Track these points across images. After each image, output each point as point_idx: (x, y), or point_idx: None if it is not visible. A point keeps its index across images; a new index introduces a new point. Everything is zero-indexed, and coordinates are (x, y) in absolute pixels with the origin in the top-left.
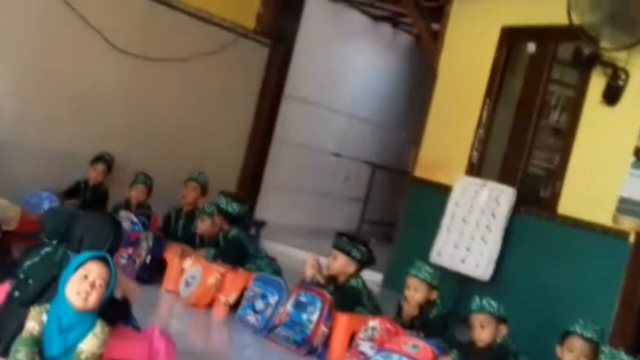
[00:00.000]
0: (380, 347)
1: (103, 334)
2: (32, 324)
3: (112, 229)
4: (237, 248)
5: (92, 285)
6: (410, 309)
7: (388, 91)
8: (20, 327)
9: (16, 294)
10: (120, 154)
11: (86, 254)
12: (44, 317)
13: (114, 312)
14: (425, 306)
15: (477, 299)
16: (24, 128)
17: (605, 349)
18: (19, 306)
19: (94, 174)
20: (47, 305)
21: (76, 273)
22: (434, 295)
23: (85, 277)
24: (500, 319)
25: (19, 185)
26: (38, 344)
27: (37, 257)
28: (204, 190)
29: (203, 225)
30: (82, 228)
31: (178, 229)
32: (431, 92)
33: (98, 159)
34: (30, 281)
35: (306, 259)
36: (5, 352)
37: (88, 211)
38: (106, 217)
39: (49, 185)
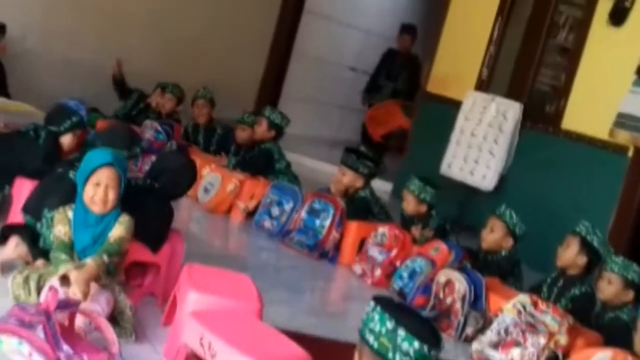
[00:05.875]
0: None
1: (127, 222)
2: (60, 228)
3: (190, 171)
4: (266, 160)
5: (106, 191)
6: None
7: (404, 8)
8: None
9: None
10: (143, 67)
11: (95, 162)
12: (70, 215)
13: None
14: (420, 219)
15: (503, 206)
16: (51, 39)
17: (618, 259)
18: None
19: (164, 102)
20: (72, 205)
21: (88, 181)
22: (423, 208)
23: (98, 184)
24: (511, 233)
25: (45, 95)
26: (72, 246)
27: None
28: (212, 103)
29: (243, 134)
30: (163, 166)
31: (199, 143)
32: (445, 9)
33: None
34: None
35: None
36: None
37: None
38: (187, 161)
39: (75, 94)
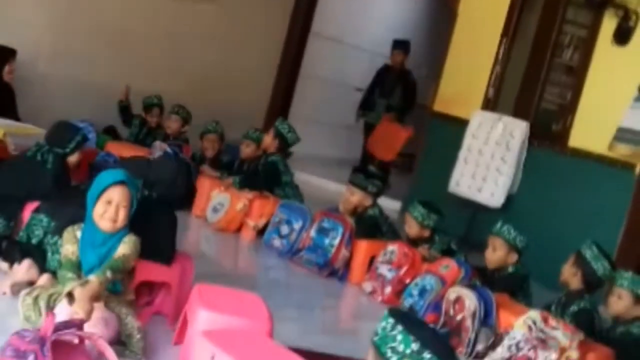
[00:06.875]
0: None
1: (132, 241)
2: (68, 247)
3: (185, 176)
4: (272, 173)
5: (117, 209)
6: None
7: (410, 30)
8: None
9: None
10: (154, 89)
11: (107, 180)
12: (78, 234)
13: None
14: (424, 241)
15: (499, 223)
16: (62, 62)
17: (627, 274)
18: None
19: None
20: (81, 225)
21: (100, 199)
22: (426, 233)
23: (109, 202)
24: (513, 248)
25: (55, 118)
26: (79, 264)
27: None
28: (222, 138)
29: (248, 150)
30: (156, 174)
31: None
32: (451, 31)
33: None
34: None
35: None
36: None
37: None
38: (178, 165)
39: (85, 117)
